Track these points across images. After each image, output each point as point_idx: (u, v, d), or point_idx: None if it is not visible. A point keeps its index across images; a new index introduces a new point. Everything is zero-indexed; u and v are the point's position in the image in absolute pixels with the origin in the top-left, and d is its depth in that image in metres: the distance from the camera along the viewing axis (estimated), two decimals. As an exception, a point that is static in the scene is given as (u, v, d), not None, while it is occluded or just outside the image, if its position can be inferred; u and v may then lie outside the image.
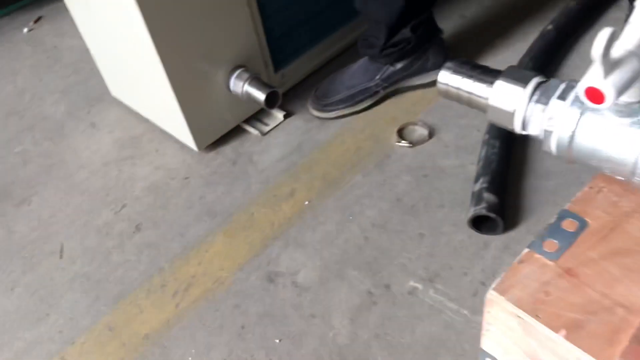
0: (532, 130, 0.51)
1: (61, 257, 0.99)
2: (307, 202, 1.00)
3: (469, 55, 1.22)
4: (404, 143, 1.07)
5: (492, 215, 0.86)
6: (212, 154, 1.14)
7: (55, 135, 1.26)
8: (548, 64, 1.16)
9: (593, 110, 0.45)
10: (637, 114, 0.43)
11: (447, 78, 0.54)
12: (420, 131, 1.09)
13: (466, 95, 0.54)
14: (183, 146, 1.16)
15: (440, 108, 1.13)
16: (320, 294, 0.86)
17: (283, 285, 0.88)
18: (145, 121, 1.23)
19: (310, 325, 0.82)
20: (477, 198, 0.89)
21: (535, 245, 0.52)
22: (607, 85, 0.39)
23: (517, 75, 0.49)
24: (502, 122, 0.51)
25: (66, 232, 1.04)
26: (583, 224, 0.54)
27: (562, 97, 0.47)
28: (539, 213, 0.92)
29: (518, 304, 0.47)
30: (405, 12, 1.02)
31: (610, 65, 0.39)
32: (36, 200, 1.11)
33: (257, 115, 1.19)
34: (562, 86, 0.48)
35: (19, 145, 1.26)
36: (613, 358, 0.42)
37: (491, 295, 0.49)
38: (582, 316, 0.45)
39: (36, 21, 1.71)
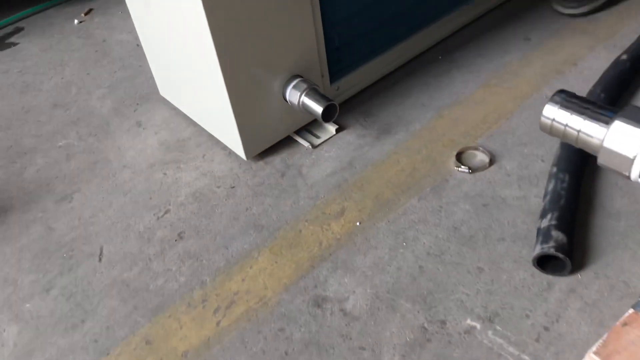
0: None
1: (100, 260, 0.96)
2: (358, 223, 0.95)
3: (534, 80, 1.17)
4: (463, 168, 1.01)
5: (560, 255, 0.80)
6: (260, 163, 1.10)
7: (100, 131, 1.24)
8: (620, 96, 1.09)
9: None
10: None
11: (554, 113, 0.49)
12: (481, 157, 1.04)
13: (574, 133, 0.49)
14: (231, 153, 1.12)
15: (502, 134, 1.07)
16: (370, 325, 0.81)
17: (331, 312, 0.83)
18: (193, 124, 1.20)
19: (358, 359, 0.77)
20: (544, 235, 0.83)
21: (644, 309, 0.47)
22: None
23: (638, 116, 0.44)
24: (617, 167, 0.45)
25: (106, 234, 1.00)
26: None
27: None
28: (609, 256, 0.85)
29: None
30: None
31: None
32: (78, 198, 1.08)
33: (309, 127, 1.15)
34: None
35: (63, 139, 1.24)
36: None
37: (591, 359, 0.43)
38: None
39: (87, 13, 1.70)
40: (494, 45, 1.30)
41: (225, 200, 1.04)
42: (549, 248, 0.81)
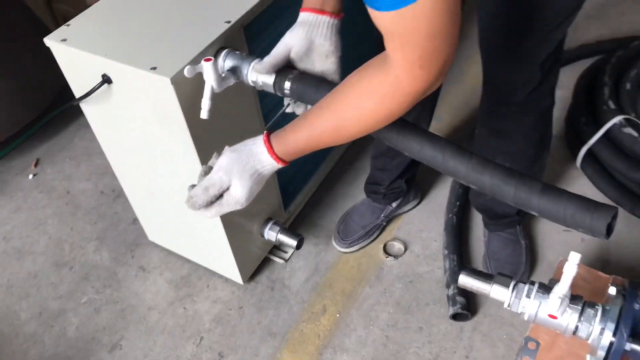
0: (515, 308, 1.00)
1: (168, 388, 1.34)
2: (338, 315, 1.44)
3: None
4: (390, 258, 1.55)
5: (465, 312, 1.37)
6: (252, 283, 1.53)
7: (112, 282, 1.57)
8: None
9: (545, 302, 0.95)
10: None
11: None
12: (398, 246, 1.58)
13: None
14: (227, 280, 1.54)
15: (406, 225, 1.62)
16: (370, 383, 1.31)
17: (342, 382, 1.32)
18: (187, 261, 1.59)
19: (370, 407, 1.27)
20: (452, 300, 1.39)
21: (520, 362, 1.02)
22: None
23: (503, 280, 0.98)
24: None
25: (163, 367, 1.38)
26: (538, 344, 1.05)
27: (528, 295, 0.97)
28: (486, 305, 1.43)
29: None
30: (405, 169, 1.48)
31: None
32: (126, 345, 1.44)
33: (276, 245, 1.60)
34: (532, 288, 0.97)
35: (84, 295, 1.55)
36: None
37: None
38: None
39: (36, 164, 1.94)
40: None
41: (240, 319, 1.46)
42: (457, 308, 1.37)
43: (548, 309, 0.94)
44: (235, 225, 1.38)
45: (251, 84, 1.04)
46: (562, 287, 0.91)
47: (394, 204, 1.58)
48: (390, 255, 1.56)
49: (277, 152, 0.85)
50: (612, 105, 1.63)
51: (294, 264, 1.57)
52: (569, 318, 0.95)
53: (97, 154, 1.94)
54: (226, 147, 0.92)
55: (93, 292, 1.56)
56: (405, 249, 1.57)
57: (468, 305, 1.39)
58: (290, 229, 1.50)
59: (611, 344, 0.91)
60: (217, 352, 1.40)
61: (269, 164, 0.86)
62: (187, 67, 0.97)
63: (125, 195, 1.75)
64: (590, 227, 0.81)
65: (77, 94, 1.22)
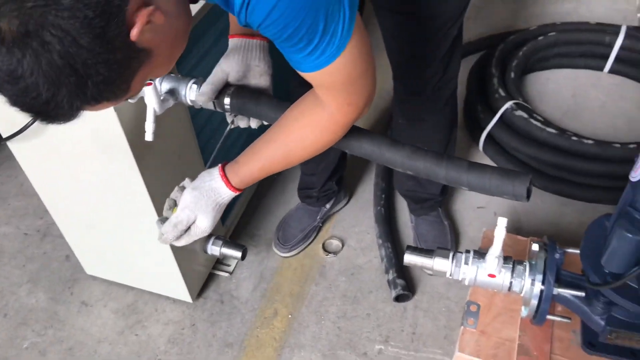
0: (456, 276, 1.12)
1: (133, 416, 1.34)
2: (290, 316, 1.51)
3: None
4: (330, 255, 1.64)
5: (406, 292, 1.49)
6: (201, 300, 1.55)
7: (54, 322, 1.53)
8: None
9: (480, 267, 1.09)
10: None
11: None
12: (336, 243, 1.68)
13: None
14: (175, 300, 1.55)
15: (339, 223, 1.73)
16: (331, 373, 1.39)
17: (305, 376, 1.39)
18: (131, 288, 1.58)
19: (335, 395, 1.35)
20: (393, 284, 1.51)
21: (465, 323, 1.15)
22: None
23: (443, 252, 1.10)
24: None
25: (124, 397, 1.37)
26: (479, 306, 1.19)
27: (467, 262, 1.10)
28: (422, 284, 1.57)
29: (473, 353, 1.10)
30: (334, 171, 1.58)
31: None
32: (80, 381, 1.40)
33: (219, 259, 1.63)
34: (468, 256, 1.10)
35: (24, 340, 1.49)
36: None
37: (457, 355, 1.11)
38: (498, 350, 1.09)
39: (-56, 215, 1.83)
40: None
41: (195, 336, 1.48)
42: (399, 290, 1.49)
43: (486, 270, 1.07)
44: (181, 247, 1.41)
45: (190, 103, 1.09)
46: (496, 249, 1.05)
47: (328, 205, 1.68)
48: (329, 252, 1.65)
49: (233, 184, 0.94)
50: (502, 92, 1.84)
51: (239, 275, 1.61)
52: (503, 276, 1.09)
53: (12, 196, 1.87)
54: (187, 181, 0.98)
55: (34, 336, 1.50)
56: (343, 245, 1.67)
57: (408, 286, 1.51)
58: (232, 241, 1.54)
59: (541, 292, 1.06)
60: (178, 371, 1.42)
61: (227, 195, 0.95)
62: (130, 92, 1.01)
63: (52, 234, 1.71)
64: (513, 193, 0.94)
65: (4, 132, 1.20)
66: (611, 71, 2.12)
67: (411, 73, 1.30)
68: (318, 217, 1.67)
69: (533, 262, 1.09)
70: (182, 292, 1.51)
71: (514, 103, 1.80)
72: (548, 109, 2.03)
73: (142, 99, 1.05)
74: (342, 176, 1.68)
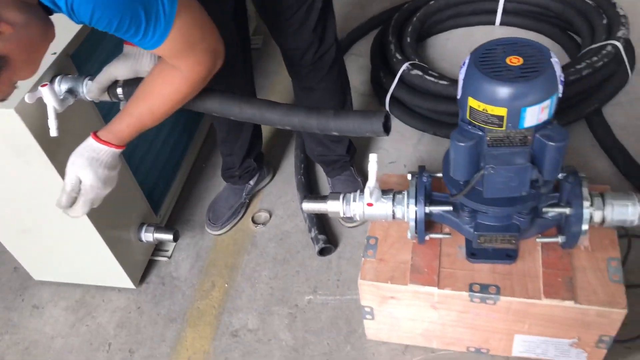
0: (348, 214, 1.27)
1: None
2: (226, 285, 1.64)
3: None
4: (259, 226, 1.77)
5: (329, 245, 1.63)
6: (144, 285, 1.68)
7: (8, 328, 1.63)
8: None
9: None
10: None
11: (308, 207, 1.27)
12: (264, 215, 1.81)
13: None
14: (120, 289, 1.67)
15: (267, 197, 1.86)
16: (266, 326, 1.52)
17: (243, 335, 1.52)
18: (79, 285, 1.69)
19: (262, 345, 1.49)
20: (316, 240, 1.65)
21: (365, 255, 1.30)
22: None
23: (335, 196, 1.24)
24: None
25: (80, 381, 1.48)
26: (377, 239, 1.34)
27: (354, 200, 1.24)
28: (344, 237, 1.71)
29: (373, 279, 1.24)
30: (249, 148, 1.71)
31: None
32: (38, 375, 1.51)
33: (157, 246, 1.76)
34: (355, 195, 1.25)
35: (-17, 348, 1.59)
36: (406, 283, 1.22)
37: (360, 282, 1.25)
38: (395, 273, 1.25)
39: None
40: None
41: (141, 317, 1.60)
42: (321, 244, 1.63)
43: (365, 201, 1.22)
44: (113, 237, 1.53)
45: (89, 99, 1.22)
46: (371, 181, 1.20)
47: (252, 182, 1.81)
48: (258, 224, 1.78)
49: (105, 139, 1.06)
50: (399, 56, 2.00)
51: (177, 257, 1.74)
52: (385, 206, 1.24)
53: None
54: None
55: (-8, 343, 1.61)
56: (271, 216, 1.80)
57: (329, 240, 1.66)
58: (163, 227, 1.67)
59: (416, 212, 1.21)
60: (127, 350, 1.53)
61: (104, 150, 1.05)
62: (27, 94, 1.13)
63: (-2, 250, 1.80)
64: (373, 130, 1.08)
65: None
66: (502, 23, 2.30)
67: (288, 45, 1.45)
68: (244, 193, 1.80)
69: (409, 190, 1.25)
70: (124, 281, 1.63)
71: (410, 64, 1.96)
72: (449, 66, 2.20)
73: (40, 99, 1.18)
74: (261, 153, 1.82)
